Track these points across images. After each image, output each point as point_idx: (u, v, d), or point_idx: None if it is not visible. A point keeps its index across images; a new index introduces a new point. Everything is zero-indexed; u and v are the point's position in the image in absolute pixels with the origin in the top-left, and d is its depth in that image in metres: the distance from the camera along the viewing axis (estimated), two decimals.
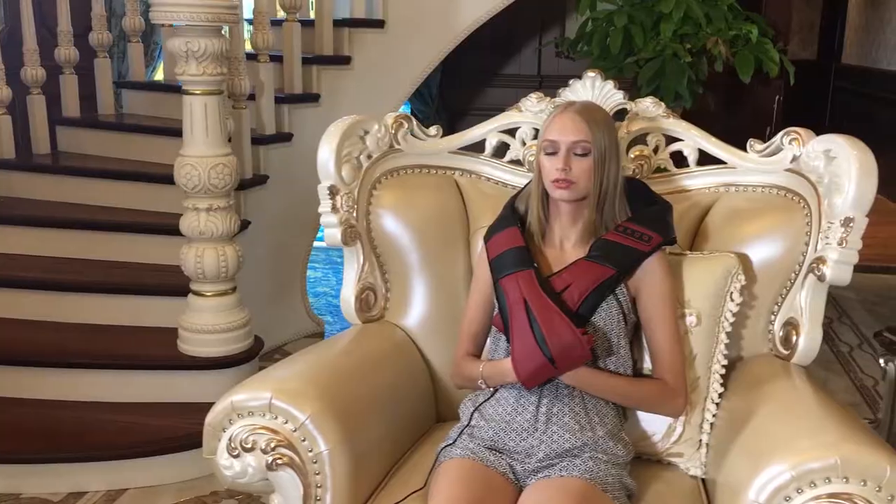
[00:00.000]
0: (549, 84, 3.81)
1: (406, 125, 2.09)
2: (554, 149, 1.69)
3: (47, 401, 2.78)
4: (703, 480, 1.76)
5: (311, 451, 1.56)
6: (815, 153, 1.81)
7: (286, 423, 1.57)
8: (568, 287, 1.66)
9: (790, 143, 1.89)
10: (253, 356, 2.87)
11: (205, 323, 2.78)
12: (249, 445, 1.55)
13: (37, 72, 3.73)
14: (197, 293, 2.80)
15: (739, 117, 4.03)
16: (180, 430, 2.61)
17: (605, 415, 1.66)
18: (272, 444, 1.54)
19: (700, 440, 1.77)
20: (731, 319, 1.79)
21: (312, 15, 3.95)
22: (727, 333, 1.79)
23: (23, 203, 3.61)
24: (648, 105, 2.05)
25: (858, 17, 9.05)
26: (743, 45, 3.67)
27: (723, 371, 1.79)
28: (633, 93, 4.09)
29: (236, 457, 1.55)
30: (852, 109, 8.68)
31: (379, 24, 3.81)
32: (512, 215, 1.81)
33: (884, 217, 6.69)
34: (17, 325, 3.03)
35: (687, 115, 4.22)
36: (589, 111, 1.71)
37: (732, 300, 1.78)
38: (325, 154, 1.95)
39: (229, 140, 3.19)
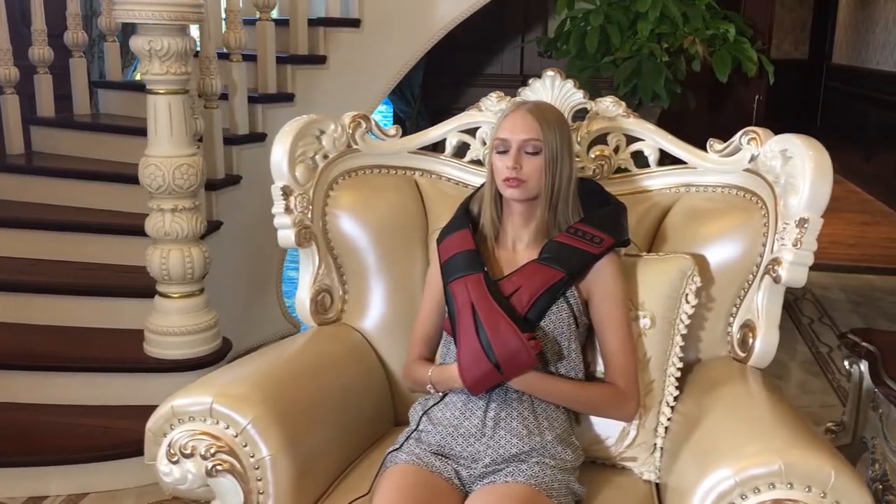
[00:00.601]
0: None
1: (364, 125, 2.07)
2: (505, 147, 1.66)
3: (13, 403, 2.75)
4: (657, 485, 1.74)
5: (252, 456, 1.54)
6: (773, 153, 1.79)
7: (227, 428, 1.54)
8: (517, 290, 1.63)
9: (748, 142, 1.87)
10: (221, 358, 2.84)
11: (171, 325, 2.76)
12: (189, 451, 1.52)
13: (10, 71, 3.70)
14: (163, 295, 2.77)
15: (721, 117, 4.01)
16: (143, 433, 2.57)
17: (555, 419, 1.64)
18: (212, 450, 1.52)
19: (655, 444, 1.75)
20: (687, 322, 1.77)
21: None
22: (682, 336, 1.77)
23: None
24: (608, 105, 2.03)
25: (849, 16, 9.03)
26: (721, 44, 3.64)
27: (678, 374, 1.77)
28: (612, 93, 4.09)
29: (175, 463, 1.53)
30: (843, 109, 8.66)
31: (355, 23, 3.78)
32: (464, 217, 1.79)
33: (875, 217, 6.70)
34: None
35: (667, 116, 4.23)
36: (541, 110, 1.68)
37: (688, 302, 1.76)
38: (279, 154, 1.92)
39: (200, 140, 3.19)
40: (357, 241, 2.01)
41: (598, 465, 1.77)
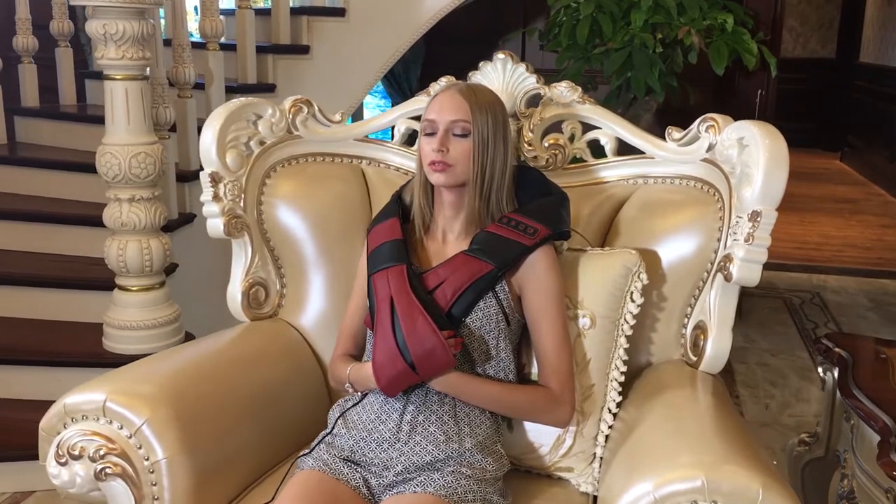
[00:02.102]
0: None
1: (306, 110, 1.96)
2: (432, 129, 1.55)
3: None
4: (594, 498, 1.61)
5: (147, 459, 1.43)
6: (730, 141, 1.66)
7: (121, 428, 1.44)
8: (441, 284, 1.51)
9: (706, 130, 1.74)
10: None
11: (129, 319, 2.67)
12: (77, 452, 1.42)
13: None
14: (122, 288, 2.69)
15: (723, 112, 3.85)
16: None
17: (478, 425, 1.52)
18: (101, 452, 1.42)
19: (594, 454, 1.62)
20: (632, 322, 1.64)
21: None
22: (627, 337, 1.64)
23: None
24: (563, 90, 1.90)
25: (876, 13, 8.77)
26: (718, 35, 3.49)
27: (621, 378, 1.64)
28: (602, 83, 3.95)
29: (64, 464, 1.43)
30: (870, 108, 8.40)
31: (340, 12, 3.68)
32: (395, 206, 1.68)
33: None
34: None
35: (667, 111, 4.07)
36: (473, 91, 1.57)
37: (633, 301, 1.63)
38: (207, 139, 1.82)
39: (173, 129, 3.11)
40: (295, 231, 1.91)
41: (532, 474, 1.65)
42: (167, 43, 3.25)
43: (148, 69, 2.62)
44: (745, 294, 4.33)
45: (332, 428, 1.55)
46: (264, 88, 3.53)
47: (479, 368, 1.54)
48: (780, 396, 3.33)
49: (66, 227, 3.19)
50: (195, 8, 4.11)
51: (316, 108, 1.97)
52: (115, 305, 2.70)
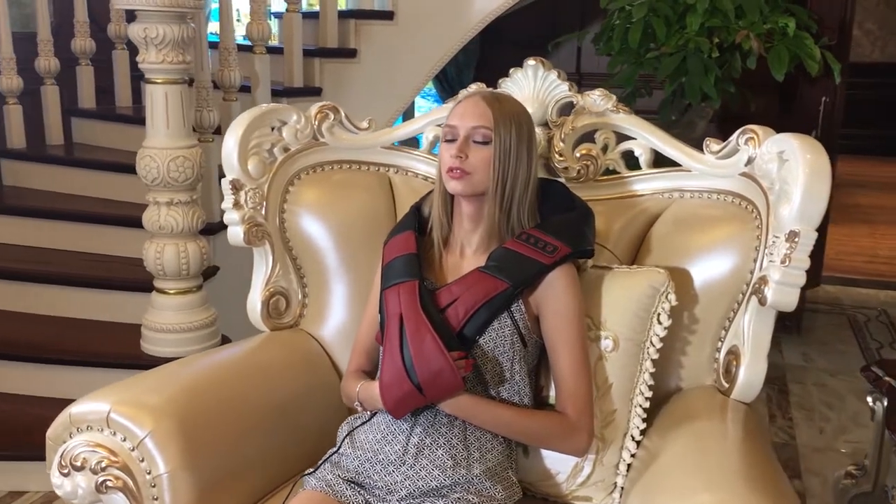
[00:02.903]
0: (589, 83, 3.56)
1: (333, 116, 1.92)
2: (453, 135, 1.49)
3: (7, 394, 2.73)
4: None
5: (149, 473, 1.41)
6: (770, 155, 1.56)
7: (124, 440, 1.42)
8: (454, 302, 1.45)
9: (746, 142, 1.64)
10: None
11: (165, 321, 2.68)
12: (79, 463, 1.40)
13: (50, 62, 3.73)
14: (160, 291, 2.70)
15: (791, 121, 3.71)
16: None
17: (489, 450, 1.45)
18: (103, 464, 1.40)
19: (615, 483, 1.54)
20: (658, 345, 1.55)
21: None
22: (653, 361, 1.55)
23: (30, 193, 3.61)
24: (596, 98, 1.82)
25: None
26: (779, 39, 3.34)
27: (646, 404, 1.55)
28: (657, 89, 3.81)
29: (66, 475, 1.41)
30: None
31: (388, 15, 3.65)
32: (412, 217, 1.62)
33: None
34: None
35: (727, 119, 3.92)
36: (497, 99, 1.50)
37: (660, 323, 1.54)
38: (229, 146, 1.79)
39: (218, 131, 3.12)
40: (317, 240, 1.87)
41: (549, 502, 1.57)
42: (215, 46, 3.26)
43: (188, 73, 2.62)
44: (807, 310, 4.16)
45: (339, 447, 1.51)
46: (310, 92, 3.52)
47: (493, 391, 1.47)
48: (836, 420, 3.16)
49: (116, 228, 3.23)
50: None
51: (343, 114, 1.93)
52: (153, 308, 2.71)
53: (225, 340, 2.82)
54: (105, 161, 3.59)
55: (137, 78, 4.19)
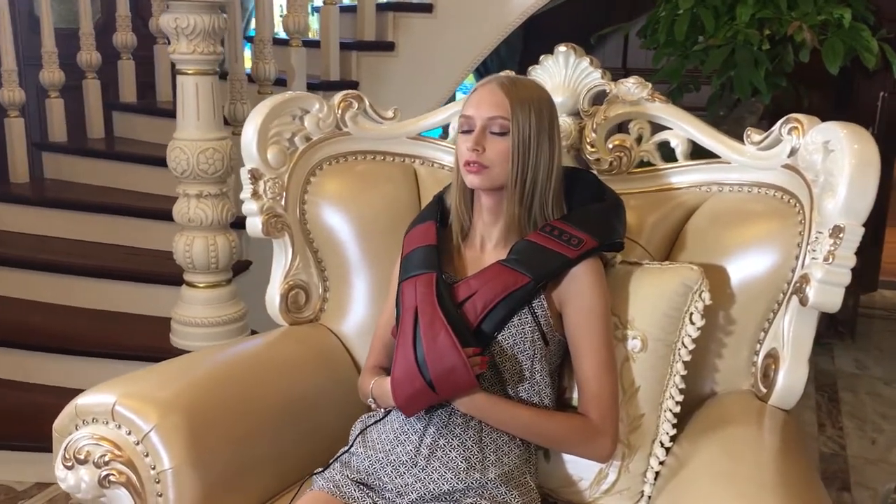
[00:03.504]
0: None
1: (357, 105, 1.86)
2: (469, 126, 1.41)
3: (39, 385, 2.74)
4: None
5: (153, 468, 1.36)
6: (815, 145, 1.45)
7: (129, 433, 1.37)
8: (471, 296, 1.38)
9: (789, 132, 1.54)
10: None
11: (195, 315, 2.65)
12: (83, 457, 1.36)
13: (91, 56, 3.76)
14: (190, 284, 2.67)
15: (841, 117, 3.53)
16: None
17: (506, 453, 1.37)
18: (106, 458, 1.35)
19: (642, 491, 1.45)
20: (691, 346, 1.45)
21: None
22: (685, 363, 1.46)
23: (70, 186, 3.63)
24: (630, 86, 1.74)
25: None
26: (834, 31, 3.19)
27: (676, 409, 1.46)
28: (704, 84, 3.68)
29: (70, 468, 1.37)
30: None
31: (427, 8, 3.58)
32: (434, 208, 1.55)
33: None
34: (22, 306, 3.05)
35: (780, 114, 3.78)
36: (515, 85, 1.42)
37: (692, 323, 1.44)
38: (248, 134, 1.75)
39: None
40: (339, 233, 1.81)
41: None
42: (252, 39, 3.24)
43: (219, 64, 2.59)
44: (862, 315, 3.99)
45: (351, 445, 1.44)
46: (347, 86, 3.45)
47: (511, 390, 1.40)
48: (890, 432, 3.01)
49: (154, 221, 3.22)
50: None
51: (367, 103, 1.87)
52: (182, 301, 2.69)
53: (254, 335, 2.78)
54: (145, 155, 3.60)
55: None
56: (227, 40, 2.97)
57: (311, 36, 3.88)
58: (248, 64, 3.38)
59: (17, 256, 3.15)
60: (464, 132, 1.42)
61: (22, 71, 3.50)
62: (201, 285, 2.66)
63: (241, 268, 2.95)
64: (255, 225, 1.76)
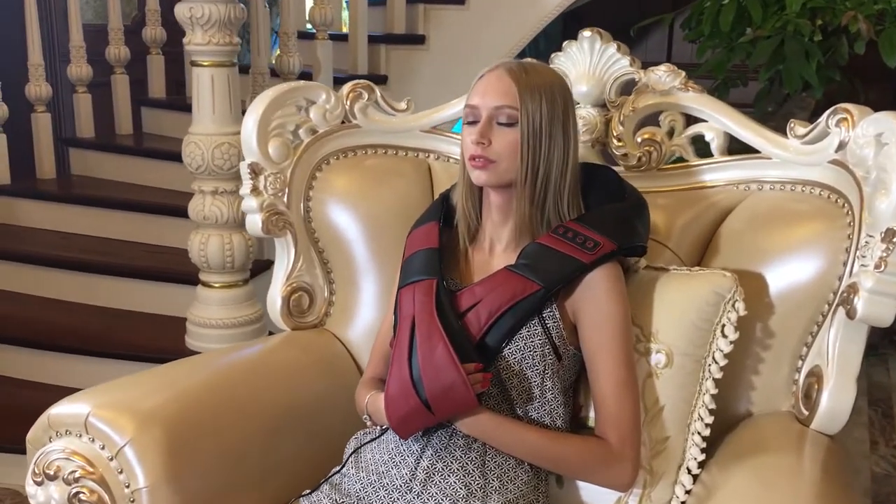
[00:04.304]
0: None
1: (367, 95, 1.74)
2: (474, 117, 1.28)
3: (52, 386, 2.68)
4: None
5: (127, 486, 1.25)
6: (866, 138, 1.30)
7: (103, 447, 1.26)
8: (475, 305, 1.24)
9: (837, 124, 1.38)
10: None
11: (210, 316, 2.56)
12: (53, 472, 1.26)
13: (120, 50, 3.71)
14: (205, 284, 2.58)
15: None
16: None
17: (511, 479, 1.24)
18: (77, 475, 1.25)
19: None
20: (722, 362, 1.30)
21: None
22: (716, 381, 1.31)
23: (97, 183, 3.58)
24: (661, 74, 1.59)
25: None
26: (892, 21, 2.98)
27: (706, 431, 1.31)
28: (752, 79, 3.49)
29: (40, 484, 1.27)
30: None
31: (459, 0, 3.45)
32: (438, 207, 1.43)
33: None
34: (42, 304, 3.00)
35: (827, 109, 3.57)
36: (525, 70, 1.28)
37: (724, 336, 1.30)
38: (248, 126, 1.64)
39: None
40: (346, 232, 1.69)
41: None
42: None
43: (239, 56, 2.49)
44: None
45: (343, 465, 1.32)
46: (375, 80, 3.30)
47: (520, 410, 1.26)
48: None
49: (181, 220, 3.14)
50: None
51: (378, 93, 1.75)
52: (198, 301, 2.60)
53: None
54: (173, 151, 3.48)
55: None
56: (251, 32, 2.89)
57: (343, 30, 3.78)
58: None
59: (38, 253, 3.11)
60: (469, 123, 1.29)
61: (56, 67, 3.46)
62: (217, 285, 2.57)
63: (263, 267, 2.85)
64: (254, 223, 1.65)
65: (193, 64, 2.45)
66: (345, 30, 3.71)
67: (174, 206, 3.19)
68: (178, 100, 3.97)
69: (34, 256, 3.10)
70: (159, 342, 2.71)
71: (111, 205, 3.31)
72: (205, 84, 2.43)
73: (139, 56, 3.83)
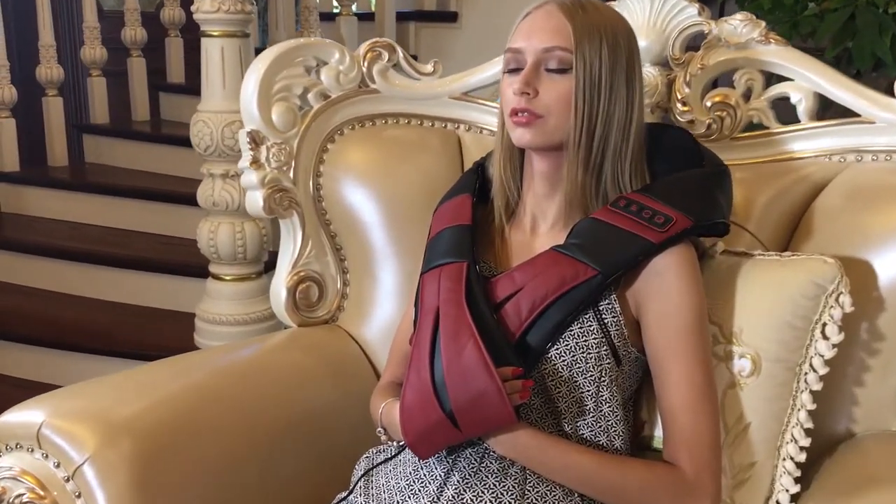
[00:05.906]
0: None
1: (387, 56, 1.51)
2: (517, 63, 1.05)
3: (51, 385, 2.45)
4: None
5: None
6: None
7: (57, 465, 1.04)
8: (514, 295, 1.00)
9: None
10: None
11: (220, 312, 2.34)
12: None
13: (136, 32, 3.53)
14: (215, 276, 2.37)
15: None
16: None
17: None
18: (24, 498, 1.03)
19: None
20: (823, 370, 1.06)
21: None
22: (813, 393, 1.05)
23: (112, 171, 3.41)
24: (737, 25, 1.34)
25: None
26: None
27: (801, 456, 1.06)
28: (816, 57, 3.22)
29: None
30: None
31: None
32: (471, 178, 1.19)
33: None
34: (47, 297, 2.83)
35: None
36: (582, 7, 1.04)
37: (826, 337, 1.05)
38: (248, 88, 1.41)
39: None
40: (363, 214, 1.46)
41: None
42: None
43: (249, 26, 2.28)
44: None
45: (351, 491, 1.08)
46: None
47: (568, 426, 1.01)
48: None
49: (192, 208, 2.97)
50: None
51: (400, 54, 1.51)
52: (208, 296, 2.38)
53: None
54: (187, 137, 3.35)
55: None
56: (270, 5, 2.68)
57: (371, 9, 3.59)
58: None
59: (45, 244, 2.94)
60: (510, 71, 1.05)
61: (70, 51, 3.29)
62: (228, 278, 2.35)
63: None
64: (255, 200, 1.42)
65: (202, 34, 2.25)
66: (372, 8, 3.50)
67: (191, 195, 2.99)
68: (198, 84, 3.77)
69: (41, 247, 2.94)
70: (168, 340, 2.51)
71: (124, 193, 3.15)
72: (214, 57, 2.22)
73: (158, 44, 3.65)
